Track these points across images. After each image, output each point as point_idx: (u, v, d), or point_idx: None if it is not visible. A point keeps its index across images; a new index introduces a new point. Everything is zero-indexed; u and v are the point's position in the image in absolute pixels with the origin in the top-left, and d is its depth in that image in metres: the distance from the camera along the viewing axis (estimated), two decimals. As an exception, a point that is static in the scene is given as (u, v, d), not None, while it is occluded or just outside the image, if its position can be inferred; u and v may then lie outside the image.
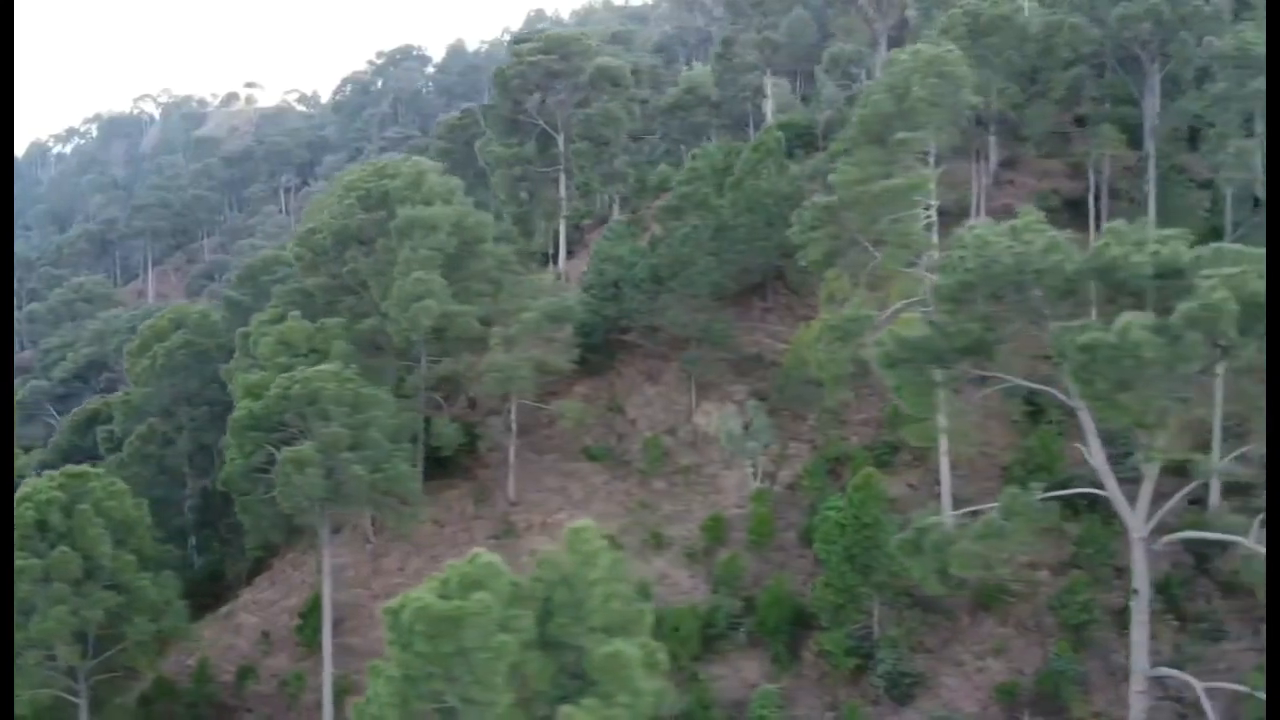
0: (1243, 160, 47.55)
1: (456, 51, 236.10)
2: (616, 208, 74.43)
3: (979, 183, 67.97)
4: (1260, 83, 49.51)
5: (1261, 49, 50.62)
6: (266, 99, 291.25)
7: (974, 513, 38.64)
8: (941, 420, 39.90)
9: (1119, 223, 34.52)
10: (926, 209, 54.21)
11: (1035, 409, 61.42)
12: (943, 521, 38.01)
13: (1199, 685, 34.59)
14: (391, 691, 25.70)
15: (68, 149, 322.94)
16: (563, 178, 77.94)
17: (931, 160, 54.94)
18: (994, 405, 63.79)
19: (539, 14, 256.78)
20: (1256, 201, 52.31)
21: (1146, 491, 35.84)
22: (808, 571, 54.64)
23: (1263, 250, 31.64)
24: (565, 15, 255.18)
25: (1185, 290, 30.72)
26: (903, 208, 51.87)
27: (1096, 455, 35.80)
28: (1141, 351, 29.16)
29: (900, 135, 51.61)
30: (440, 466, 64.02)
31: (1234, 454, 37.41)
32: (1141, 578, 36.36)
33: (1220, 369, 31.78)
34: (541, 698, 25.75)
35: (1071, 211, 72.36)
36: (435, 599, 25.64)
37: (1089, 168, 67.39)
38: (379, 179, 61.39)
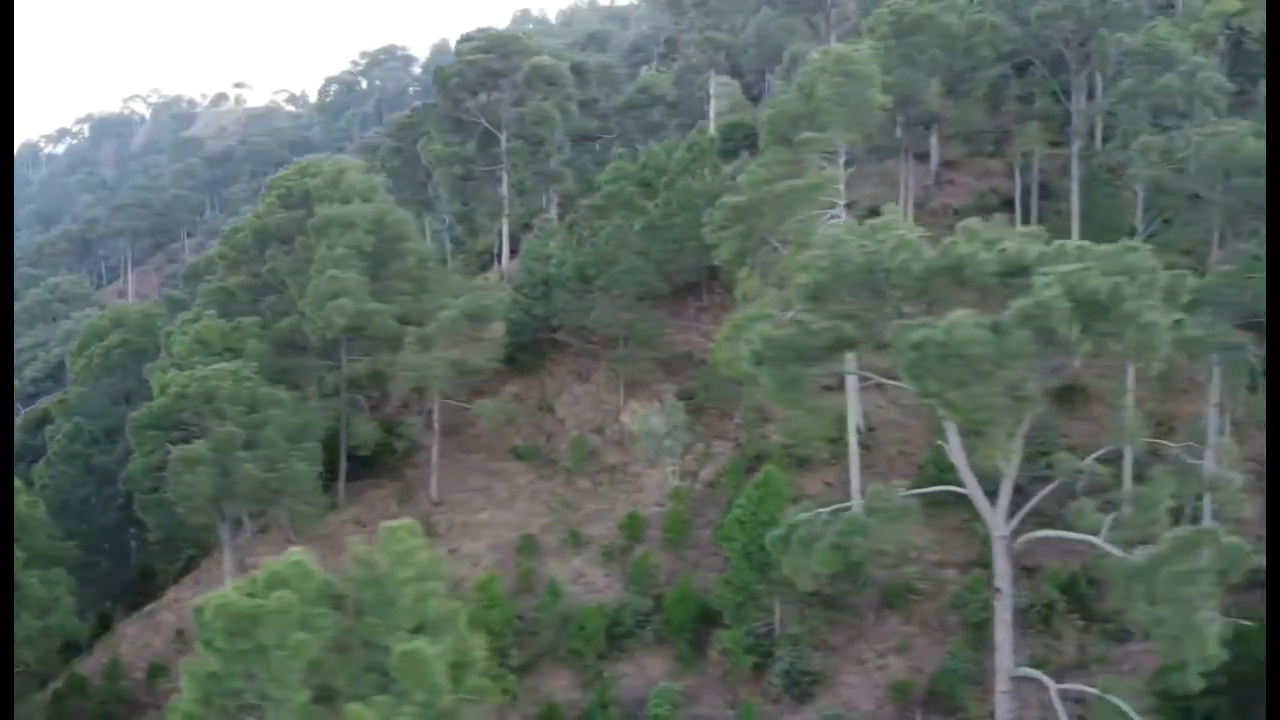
0: (1147, 156, 47.35)
1: (441, 51, 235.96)
2: (554, 207, 74.36)
3: (906, 182, 67.77)
4: (1170, 78, 49.43)
5: (1171, 45, 50.60)
6: (256, 99, 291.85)
7: (843, 509, 38.56)
8: (806, 417, 39.76)
9: (972, 221, 34.43)
10: (834, 208, 54.24)
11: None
12: (812, 518, 37.88)
13: (1053, 686, 34.53)
14: (197, 689, 25.74)
15: (59, 149, 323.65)
16: (505, 177, 77.97)
17: (842, 160, 54.89)
18: (911, 403, 64.02)
19: (524, 14, 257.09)
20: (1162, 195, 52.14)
21: (1006, 490, 35.77)
22: (720, 570, 54.48)
23: (1109, 247, 31.62)
24: (551, 16, 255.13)
25: (1028, 288, 30.68)
26: (808, 207, 51.84)
27: (956, 452, 35.70)
28: (967, 349, 29.10)
29: (804, 135, 51.56)
30: (366, 466, 64.14)
31: (1096, 454, 37.18)
32: (1004, 577, 36.29)
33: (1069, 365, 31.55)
34: (342, 696, 25.74)
35: (1011, 211, 72.43)
36: (237, 597, 25.61)
37: (1020, 167, 67.27)
38: (301, 177, 61.53)
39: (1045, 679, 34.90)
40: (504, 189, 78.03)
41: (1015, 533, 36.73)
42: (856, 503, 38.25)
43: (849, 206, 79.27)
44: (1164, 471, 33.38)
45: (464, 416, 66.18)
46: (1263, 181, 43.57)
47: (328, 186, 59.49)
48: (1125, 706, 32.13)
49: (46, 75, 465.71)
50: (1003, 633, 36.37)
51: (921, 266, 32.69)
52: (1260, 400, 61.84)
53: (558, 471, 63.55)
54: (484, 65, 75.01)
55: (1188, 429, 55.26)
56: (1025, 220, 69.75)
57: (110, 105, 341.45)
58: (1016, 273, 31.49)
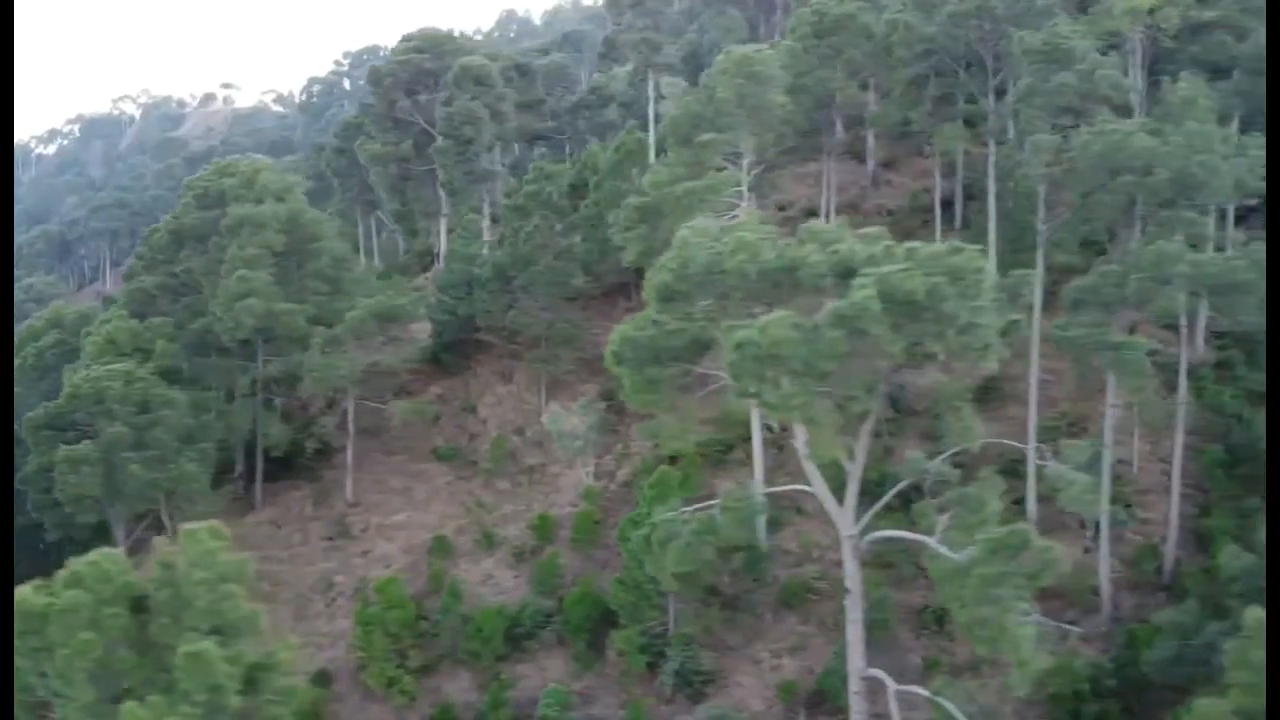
0: (1040, 156, 47.21)
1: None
2: (486, 207, 74.40)
3: (829, 183, 67.71)
4: (1066, 77, 49.27)
5: (1071, 43, 50.43)
6: (245, 99, 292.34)
7: (703, 508, 38.53)
8: (671, 418, 39.67)
9: (815, 223, 34.42)
10: (736, 209, 54.19)
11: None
12: (674, 518, 37.87)
13: (891, 686, 34.45)
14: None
15: (50, 150, 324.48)
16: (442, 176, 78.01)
17: (746, 162, 54.81)
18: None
19: (509, 15, 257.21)
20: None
21: (852, 490, 35.70)
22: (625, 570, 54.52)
23: (938, 248, 31.57)
24: (536, 17, 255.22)
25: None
26: (709, 208, 51.75)
27: (803, 452, 35.63)
28: (780, 349, 29.10)
29: (704, 137, 51.57)
30: (286, 467, 64.27)
31: (946, 454, 37.11)
32: (853, 577, 36.19)
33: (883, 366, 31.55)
34: (132, 695, 25.79)
35: (947, 210, 72.39)
36: (33, 596, 25.70)
37: (939, 169, 67.18)
38: (218, 178, 61.66)
39: (887, 680, 34.80)
40: (440, 188, 78.10)
41: (866, 532, 36.64)
42: (710, 504, 38.11)
43: (782, 208, 80.00)
44: (991, 472, 33.24)
45: (388, 417, 66.31)
46: (1148, 179, 43.60)
47: (242, 186, 59.63)
48: (955, 711, 32.04)
49: (38, 76, 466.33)
50: (854, 633, 36.29)
51: (758, 268, 32.63)
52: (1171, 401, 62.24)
53: (478, 472, 63.62)
54: (417, 65, 75.12)
55: (1099, 429, 55.45)
56: (951, 221, 69.80)
57: (100, 106, 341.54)
58: (846, 274, 31.44)
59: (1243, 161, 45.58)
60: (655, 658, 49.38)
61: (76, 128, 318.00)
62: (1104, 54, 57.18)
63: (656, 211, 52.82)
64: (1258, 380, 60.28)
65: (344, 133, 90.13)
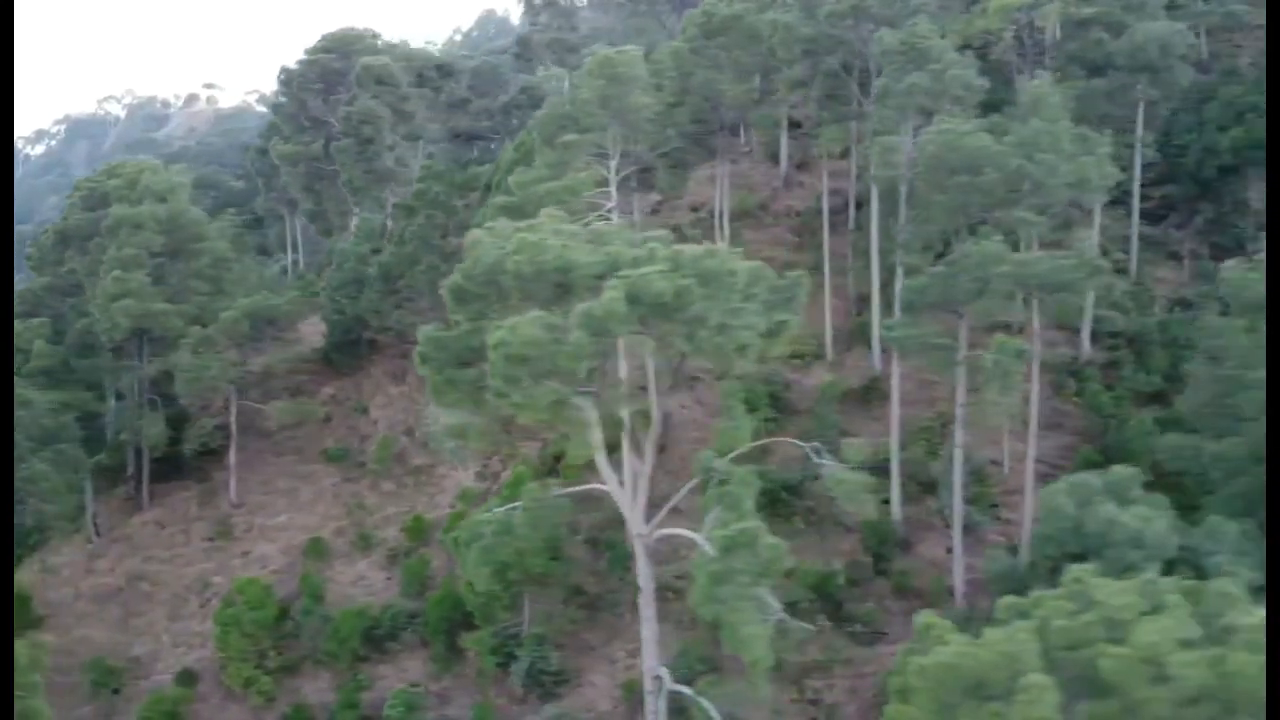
0: (887, 157, 47.09)
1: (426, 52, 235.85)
2: (389, 206, 74.39)
3: (721, 185, 67.56)
4: (918, 77, 49.14)
5: (928, 43, 50.28)
6: (229, 99, 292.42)
7: (514, 509, 38.44)
8: (465, 417, 39.47)
9: (602, 224, 34.31)
10: (608, 209, 54.15)
11: (751, 406, 61.29)
12: (488, 518, 37.79)
13: (666, 686, 34.35)
14: None
15: (38, 150, 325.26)
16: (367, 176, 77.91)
17: (614, 162, 54.70)
18: (714, 402, 63.91)
19: (489, 15, 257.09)
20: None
21: (643, 488, 35.65)
22: (483, 571, 54.35)
23: (698, 249, 31.50)
24: (515, 17, 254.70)
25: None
26: (571, 209, 51.60)
27: (598, 451, 35.51)
28: (528, 350, 29.04)
29: (566, 138, 51.51)
30: (176, 467, 64.36)
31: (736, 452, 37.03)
32: (644, 575, 36.11)
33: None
34: None
35: (857, 211, 72.20)
36: None
37: (855, 170, 66.95)
38: (106, 178, 61.76)
39: (666, 678, 34.70)
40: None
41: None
42: (512, 506, 38.02)
43: (695, 209, 79.83)
44: (748, 471, 33.16)
45: (298, 418, 66.30)
46: (979, 180, 43.40)
47: (126, 187, 59.65)
48: (712, 710, 31.94)
49: (26, 77, 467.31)
50: (647, 630, 36.18)
51: (534, 269, 32.56)
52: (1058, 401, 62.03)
53: (365, 474, 63.59)
54: (324, 65, 75.11)
55: (982, 430, 55.24)
56: (847, 223, 69.64)
57: (86, 106, 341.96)
58: (612, 274, 31.36)
59: (1089, 160, 45.27)
60: (507, 658, 49.27)
61: (63, 128, 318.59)
62: (983, 52, 57.21)
63: (520, 212, 52.61)
64: (1144, 381, 60.19)
65: (267, 133, 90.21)
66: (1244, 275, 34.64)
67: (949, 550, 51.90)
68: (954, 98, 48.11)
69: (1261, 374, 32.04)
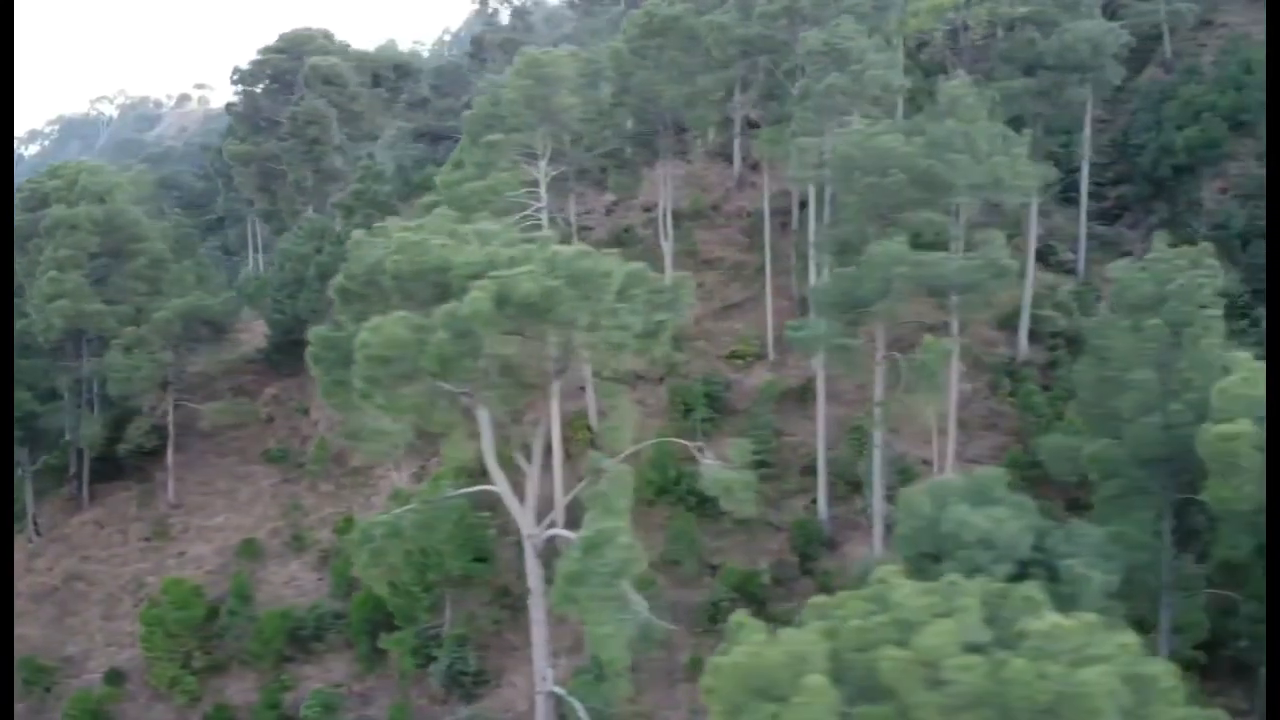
0: (805, 158, 47.08)
1: (387, 50, 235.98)
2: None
3: (665, 184, 67.52)
4: (835, 77, 49.12)
5: (850, 44, 50.26)
6: (220, 99, 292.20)
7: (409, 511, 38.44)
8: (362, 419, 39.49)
9: (481, 224, 34.39)
10: (536, 209, 54.18)
11: (688, 406, 61.41)
12: (390, 519, 37.78)
13: (541, 687, 34.40)
14: None
15: (32, 151, 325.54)
16: (314, 176, 78.00)
17: (543, 162, 54.63)
18: (656, 402, 64.00)
19: (479, 15, 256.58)
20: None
21: (533, 490, 35.66)
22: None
23: (572, 250, 31.55)
24: (504, 17, 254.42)
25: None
26: (499, 207, 51.66)
27: (488, 452, 35.55)
28: (387, 351, 29.08)
29: (490, 137, 51.54)
30: (118, 468, 64.47)
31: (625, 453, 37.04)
32: (534, 576, 36.09)
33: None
34: None
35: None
36: None
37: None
38: (48, 179, 61.91)
39: (549, 679, 34.74)
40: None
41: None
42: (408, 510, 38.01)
43: (647, 209, 79.84)
44: (621, 470, 33.19)
45: (232, 419, 66.40)
46: (885, 180, 43.36)
47: (65, 188, 59.79)
48: (580, 710, 31.99)
49: (20, 78, 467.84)
50: (537, 633, 36.22)
51: (413, 269, 32.60)
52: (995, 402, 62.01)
53: (304, 474, 63.63)
54: (275, 65, 75.21)
55: (916, 430, 55.29)
56: (792, 224, 69.71)
57: (79, 107, 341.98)
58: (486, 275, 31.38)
59: (1003, 160, 45.19)
60: (427, 659, 49.32)
61: (57, 129, 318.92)
62: (918, 51, 57.13)
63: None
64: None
65: (227, 133, 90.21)
66: (1132, 275, 34.60)
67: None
68: (873, 98, 47.99)
69: (1142, 375, 32.08)
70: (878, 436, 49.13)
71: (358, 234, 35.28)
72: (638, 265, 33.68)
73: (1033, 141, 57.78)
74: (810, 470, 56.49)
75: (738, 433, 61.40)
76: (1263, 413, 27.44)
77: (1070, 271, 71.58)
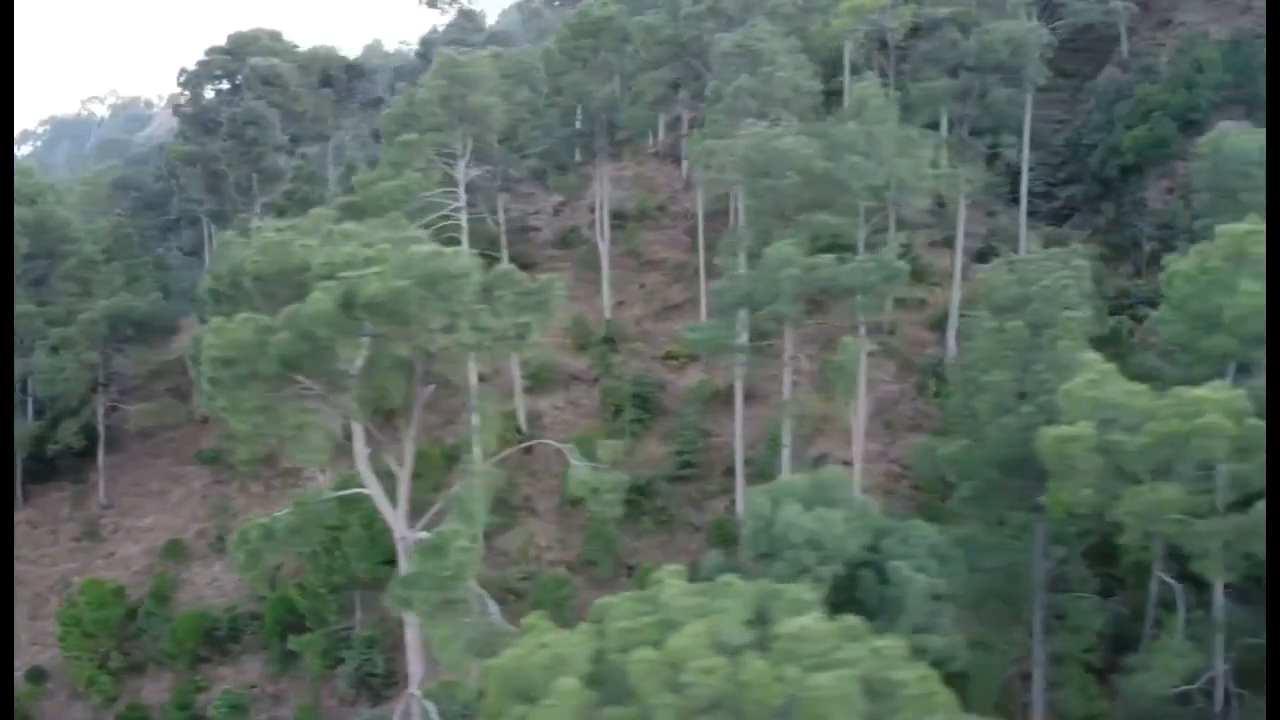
0: (710, 160, 47.05)
1: (373, 51, 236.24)
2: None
3: (601, 185, 67.55)
4: (745, 79, 49.10)
5: (762, 45, 50.24)
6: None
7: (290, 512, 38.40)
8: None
9: (349, 224, 34.39)
10: (454, 209, 54.17)
11: (618, 408, 61.50)
12: (253, 524, 37.82)
13: (411, 690, 34.41)
14: None
15: (25, 151, 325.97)
16: (255, 177, 78.05)
17: (463, 163, 54.57)
18: (590, 403, 64.09)
19: (467, 14, 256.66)
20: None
21: (404, 492, 35.63)
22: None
23: (428, 250, 31.54)
24: (491, 17, 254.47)
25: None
26: (410, 207, 51.66)
27: (359, 455, 35.56)
28: (228, 352, 29.10)
29: (404, 137, 51.56)
30: (53, 468, 64.60)
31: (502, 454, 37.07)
32: (406, 576, 36.00)
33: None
34: None
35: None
36: None
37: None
38: (-22, 182, 61.95)
39: (416, 693, 34.70)
40: (254, 188, 78.16)
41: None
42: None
43: (594, 210, 79.83)
44: (481, 472, 33.18)
45: (161, 420, 66.54)
46: (784, 184, 43.36)
47: (-4, 190, 59.88)
48: (432, 711, 32.02)
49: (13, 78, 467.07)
50: (411, 635, 36.16)
51: (273, 269, 32.63)
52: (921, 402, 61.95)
53: (236, 475, 63.68)
54: (221, 66, 75.33)
55: (839, 431, 55.33)
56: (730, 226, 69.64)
57: (71, 107, 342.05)
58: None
59: (905, 163, 45.16)
60: (336, 661, 49.39)
61: (48, 129, 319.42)
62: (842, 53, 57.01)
63: (361, 211, 52.71)
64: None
65: (179, 134, 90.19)
66: (999, 276, 34.55)
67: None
68: (782, 100, 47.97)
69: (998, 376, 32.02)
70: (786, 436, 49.07)
71: (226, 234, 35.28)
72: (506, 266, 33.72)
73: (959, 143, 58.01)
74: (734, 471, 56.50)
75: (666, 434, 61.56)
76: (1107, 415, 27.39)
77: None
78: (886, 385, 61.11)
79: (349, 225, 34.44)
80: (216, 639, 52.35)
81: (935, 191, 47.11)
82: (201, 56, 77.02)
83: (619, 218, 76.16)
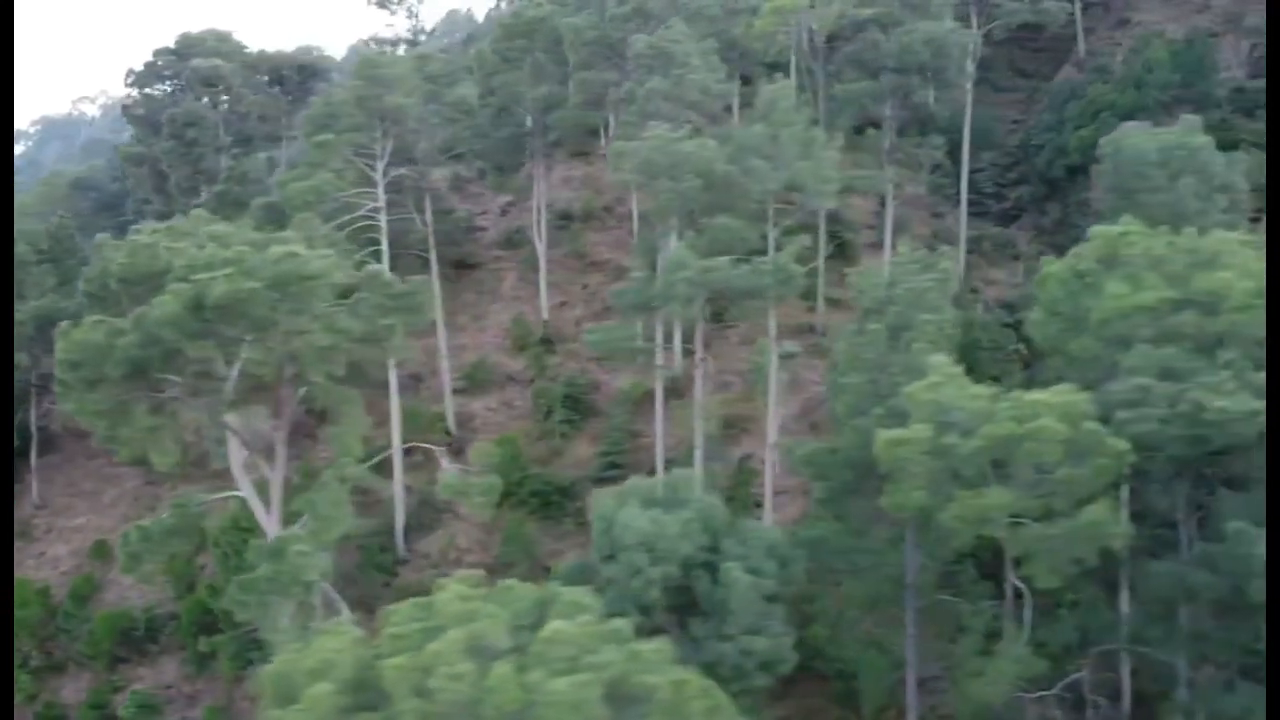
0: (618, 162, 46.97)
1: (357, 52, 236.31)
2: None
3: (539, 186, 67.52)
4: (658, 81, 49.07)
5: (675, 48, 50.19)
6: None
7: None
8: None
9: (219, 227, 34.40)
10: (371, 208, 54.16)
11: (550, 409, 61.47)
12: (141, 526, 37.90)
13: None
14: None
15: (17, 150, 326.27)
16: (199, 177, 78.10)
17: (382, 163, 54.45)
18: (524, 404, 63.98)
19: (452, 15, 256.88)
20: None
21: (276, 496, 35.72)
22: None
23: (280, 251, 31.55)
24: (479, 17, 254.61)
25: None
26: (329, 208, 51.70)
27: (234, 458, 35.67)
28: (76, 355, 29.17)
29: (319, 137, 51.56)
30: (-13, 468, 64.70)
31: (377, 458, 37.02)
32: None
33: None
34: None
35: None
36: None
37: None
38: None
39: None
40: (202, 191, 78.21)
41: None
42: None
43: (544, 209, 79.75)
44: (335, 475, 33.19)
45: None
46: (682, 186, 43.30)
47: (-75, 190, 59.98)
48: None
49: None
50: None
51: (136, 272, 32.66)
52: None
53: (171, 476, 63.57)
54: (165, 66, 75.43)
55: (759, 431, 55.25)
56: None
57: (61, 107, 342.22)
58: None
59: (807, 165, 45.05)
60: (248, 662, 49.32)
61: (39, 129, 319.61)
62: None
63: (281, 212, 52.86)
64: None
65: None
66: (866, 279, 34.54)
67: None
68: (692, 102, 47.91)
69: (853, 378, 31.99)
70: (698, 438, 49.05)
71: (100, 236, 35.33)
72: (374, 267, 33.75)
73: (890, 144, 57.93)
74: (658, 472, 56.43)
75: (596, 435, 61.53)
76: (947, 418, 27.33)
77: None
78: (816, 386, 60.99)
79: (218, 227, 34.51)
80: (134, 639, 52.43)
81: (839, 193, 46.92)
82: (148, 58, 76.83)
83: (565, 218, 76.14)
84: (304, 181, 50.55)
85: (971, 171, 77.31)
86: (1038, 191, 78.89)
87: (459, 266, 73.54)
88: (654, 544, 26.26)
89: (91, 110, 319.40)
